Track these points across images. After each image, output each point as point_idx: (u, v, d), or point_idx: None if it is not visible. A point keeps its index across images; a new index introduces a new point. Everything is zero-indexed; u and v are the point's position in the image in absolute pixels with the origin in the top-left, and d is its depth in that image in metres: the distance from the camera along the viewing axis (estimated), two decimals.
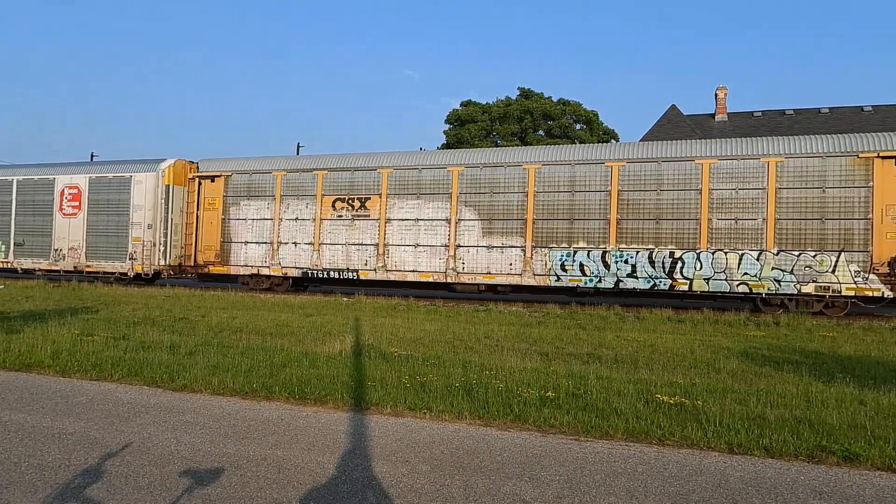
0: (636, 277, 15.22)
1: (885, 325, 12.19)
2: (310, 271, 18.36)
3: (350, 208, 18.07)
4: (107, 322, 10.53)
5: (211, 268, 19.65)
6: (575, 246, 15.79)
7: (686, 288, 14.82)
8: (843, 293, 13.71)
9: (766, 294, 14.33)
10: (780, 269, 14.15)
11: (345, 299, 16.27)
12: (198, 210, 20.00)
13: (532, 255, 16.16)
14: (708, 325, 12.24)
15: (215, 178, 19.83)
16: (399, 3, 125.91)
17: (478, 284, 16.82)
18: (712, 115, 29.24)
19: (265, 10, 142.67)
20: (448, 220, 17.04)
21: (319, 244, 18.30)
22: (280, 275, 18.71)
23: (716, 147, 15.21)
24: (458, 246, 16.90)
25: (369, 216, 17.84)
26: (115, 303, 14.31)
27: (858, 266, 13.65)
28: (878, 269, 13.48)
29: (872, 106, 27.06)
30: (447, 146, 42.35)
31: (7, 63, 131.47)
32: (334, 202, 18.28)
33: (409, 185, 17.56)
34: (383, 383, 5.93)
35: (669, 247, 15.05)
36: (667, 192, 15.17)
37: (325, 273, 18.20)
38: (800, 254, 14.06)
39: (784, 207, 14.25)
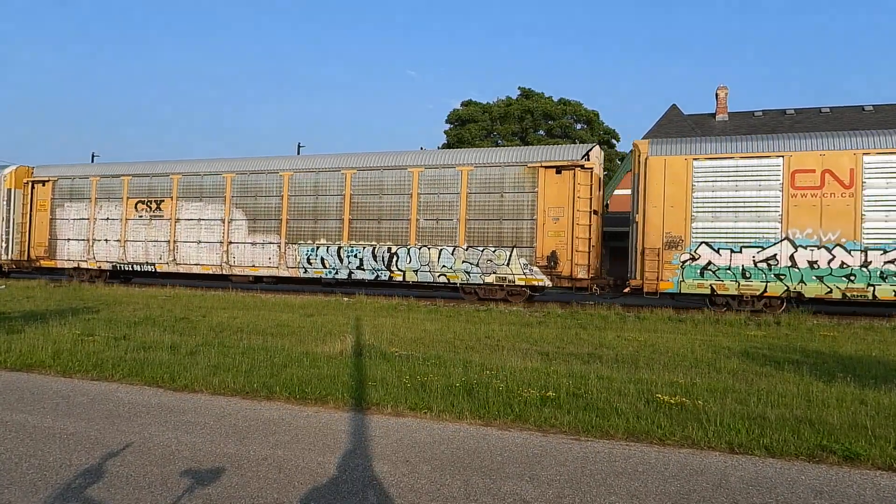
0: (363, 269, 17.82)
1: (885, 324, 12.19)
2: (118, 265, 21.07)
3: (148, 209, 20.81)
4: (107, 322, 10.54)
5: (41, 262, 22.41)
6: (318, 242, 18.41)
7: (401, 278, 17.39)
8: (516, 283, 16.27)
9: (460, 283, 16.83)
10: (469, 263, 16.66)
11: (345, 299, 16.28)
12: (31, 211, 22.72)
13: (286, 250, 18.76)
14: (708, 324, 12.24)
15: (45, 183, 22.47)
16: (400, 3, 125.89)
17: (247, 276, 19.33)
18: (713, 115, 29.22)
19: (264, 9, 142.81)
20: (223, 220, 19.64)
21: (125, 241, 21.07)
22: (96, 268, 21.45)
23: (424, 157, 18.24)
24: (231, 242, 19.49)
25: (163, 216, 20.50)
26: (116, 303, 14.32)
27: (526, 259, 16.18)
28: (539, 263, 16.06)
29: (874, 105, 27.04)
30: (448, 146, 42.40)
31: (7, 63, 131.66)
32: (136, 204, 20.99)
33: (194, 190, 20.17)
34: (384, 383, 5.93)
35: (388, 243, 17.62)
36: (387, 197, 17.80)
37: (130, 266, 20.94)
38: (483, 249, 16.58)
39: (473, 210, 16.83)
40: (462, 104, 44.55)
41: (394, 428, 4.73)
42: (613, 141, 42.87)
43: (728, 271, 14.38)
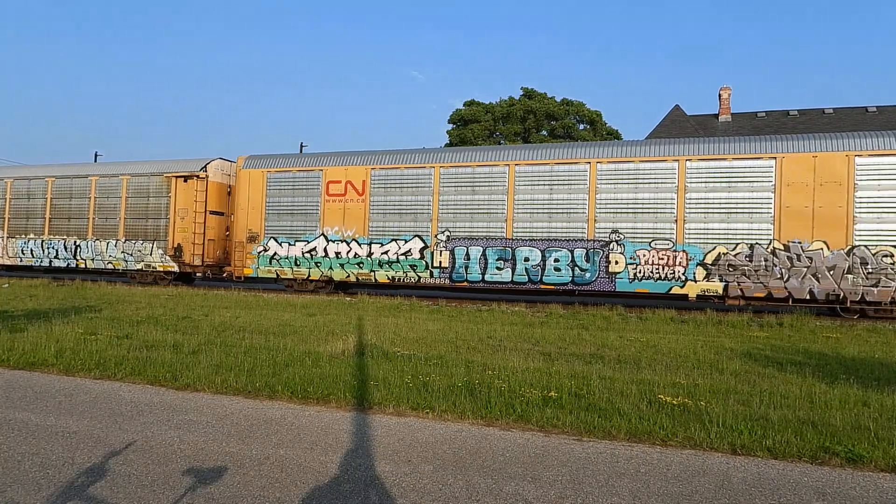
0: (59, 259, 21.91)
1: (889, 326, 12.16)
2: None
3: None
4: (110, 321, 10.56)
5: None
6: (29, 237, 22.56)
7: (84, 266, 21.39)
8: (157, 269, 20.34)
9: (122, 269, 20.90)
10: (126, 253, 20.82)
11: (348, 299, 16.29)
12: None
13: (7, 243, 22.86)
14: (711, 325, 12.22)
15: None
16: (402, 3, 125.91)
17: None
18: (716, 116, 29.18)
19: (267, 10, 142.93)
20: None
21: None
22: None
23: (98, 169, 22.15)
24: None
25: None
26: (119, 302, 14.35)
27: (162, 250, 20.30)
28: (170, 253, 20.05)
29: (877, 106, 26.97)
30: (450, 146, 42.36)
31: (8, 62, 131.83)
32: None
33: None
34: (386, 383, 5.93)
35: (74, 237, 21.70)
36: (76, 199, 21.93)
37: None
38: (135, 242, 20.69)
39: (129, 210, 20.87)
40: (465, 104, 44.54)
41: (396, 428, 4.73)
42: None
43: (286, 259, 18.56)
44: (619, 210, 15.46)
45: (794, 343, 9.93)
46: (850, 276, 13.62)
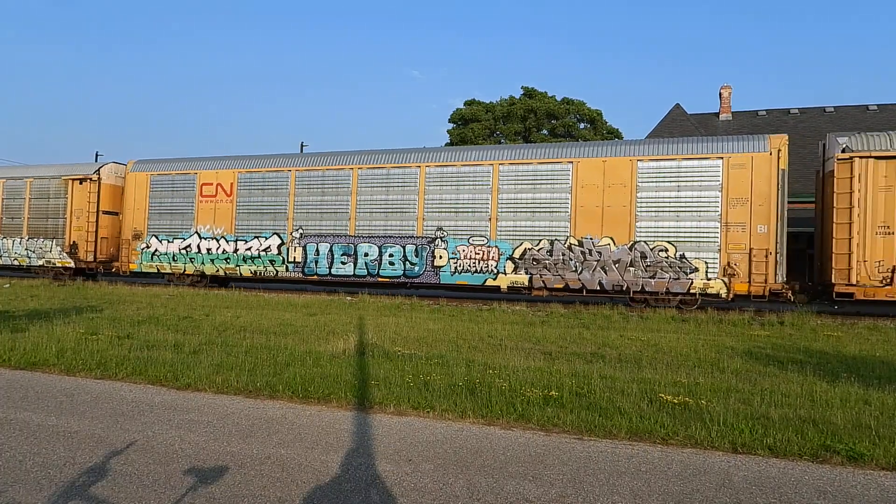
0: None
1: (890, 324, 12.15)
2: None
3: None
4: (111, 321, 10.57)
5: None
6: None
7: None
8: (56, 265, 21.51)
9: (25, 265, 22.06)
10: (30, 251, 21.97)
11: (348, 298, 16.30)
12: None
13: None
14: (712, 324, 12.22)
15: None
16: (403, 2, 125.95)
17: None
18: (716, 114, 29.15)
19: (268, 10, 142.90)
20: None
21: None
22: None
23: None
24: None
25: None
26: (120, 302, 14.36)
27: (61, 248, 21.44)
28: (67, 250, 21.30)
29: (878, 105, 26.94)
30: (451, 146, 42.33)
31: (9, 61, 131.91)
32: None
33: None
34: (387, 382, 5.94)
35: None
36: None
37: None
38: (38, 240, 21.84)
39: (33, 211, 22.09)
40: (465, 103, 44.54)
41: (396, 427, 4.73)
42: (617, 140, 42.78)
43: (166, 255, 20.01)
44: (443, 210, 16.98)
45: (795, 342, 9.92)
46: (632, 269, 15.08)
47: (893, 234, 13.29)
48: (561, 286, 15.60)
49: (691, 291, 14.53)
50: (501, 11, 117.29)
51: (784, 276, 14.07)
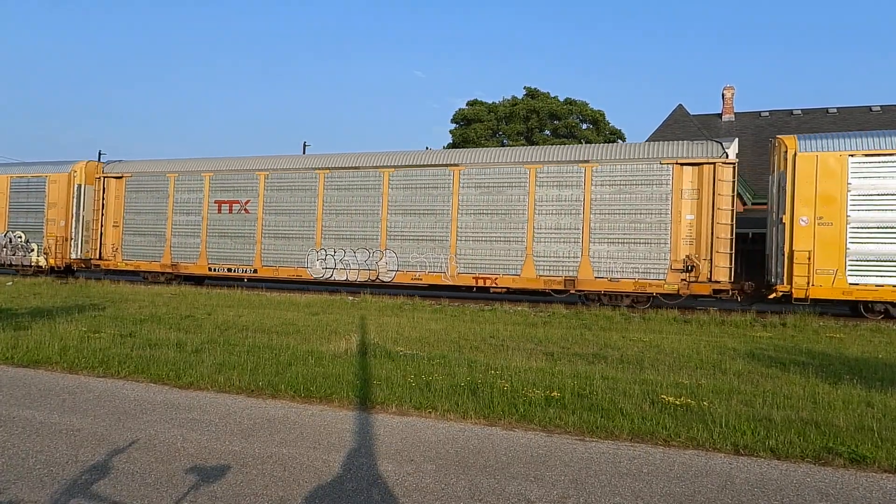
0: None
1: (893, 326, 12.12)
2: None
3: None
4: (114, 319, 10.58)
5: None
6: None
7: None
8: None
9: None
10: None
11: (350, 298, 16.30)
12: None
13: None
14: (714, 325, 12.20)
15: None
16: (408, 4, 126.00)
17: None
18: (719, 115, 29.11)
19: (273, 10, 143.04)
20: None
21: None
22: None
23: None
24: None
25: None
26: (122, 300, 14.38)
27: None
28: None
29: (881, 106, 26.88)
30: (453, 146, 42.35)
31: (12, 61, 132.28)
32: None
33: None
34: (388, 382, 5.94)
35: None
36: None
37: None
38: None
39: None
40: (468, 104, 44.47)
41: (398, 427, 4.73)
42: (620, 141, 42.75)
43: None
44: None
45: (797, 343, 9.90)
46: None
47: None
48: None
49: None
50: (505, 12, 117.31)
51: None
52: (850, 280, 13.46)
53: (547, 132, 42.52)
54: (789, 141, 14.16)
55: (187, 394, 5.69)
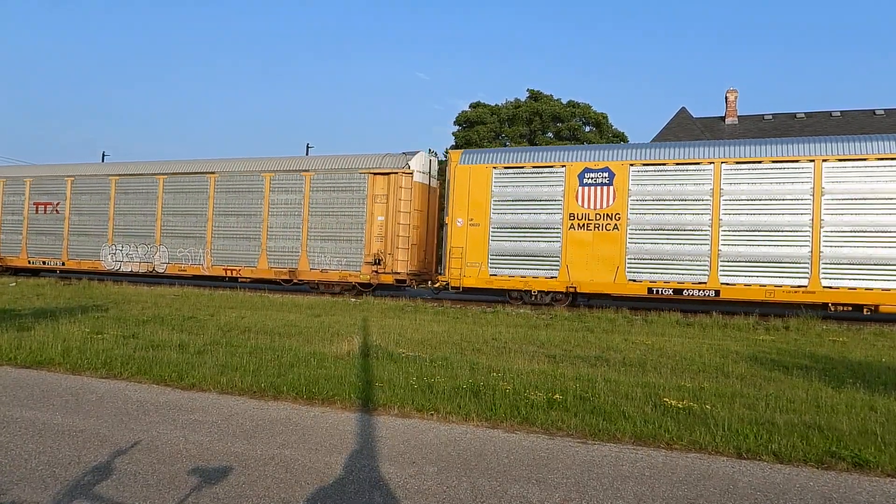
0: None
1: None
2: None
3: None
4: (116, 320, 10.61)
5: None
6: None
7: None
8: None
9: None
10: None
11: (353, 300, 16.32)
12: None
13: None
14: (716, 328, 12.18)
15: None
16: (410, 4, 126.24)
17: None
18: (722, 118, 29.09)
19: (273, 10, 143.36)
20: None
21: None
22: None
23: None
24: None
25: None
26: (125, 301, 14.41)
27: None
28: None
29: (885, 109, 26.82)
30: (455, 147, 42.34)
31: (14, 61, 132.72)
32: None
33: None
34: (391, 384, 5.94)
35: None
36: None
37: None
38: None
39: None
40: (470, 106, 44.45)
41: (400, 429, 4.73)
42: (622, 143, 42.70)
43: None
44: None
45: (800, 347, 9.88)
46: None
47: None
48: None
49: None
50: (508, 14, 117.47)
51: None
52: (492, 272, 16.36)
53: (550, 134, 42.52)
54: (454, 155, 17.29)
55: (190, 395, 5.70)
